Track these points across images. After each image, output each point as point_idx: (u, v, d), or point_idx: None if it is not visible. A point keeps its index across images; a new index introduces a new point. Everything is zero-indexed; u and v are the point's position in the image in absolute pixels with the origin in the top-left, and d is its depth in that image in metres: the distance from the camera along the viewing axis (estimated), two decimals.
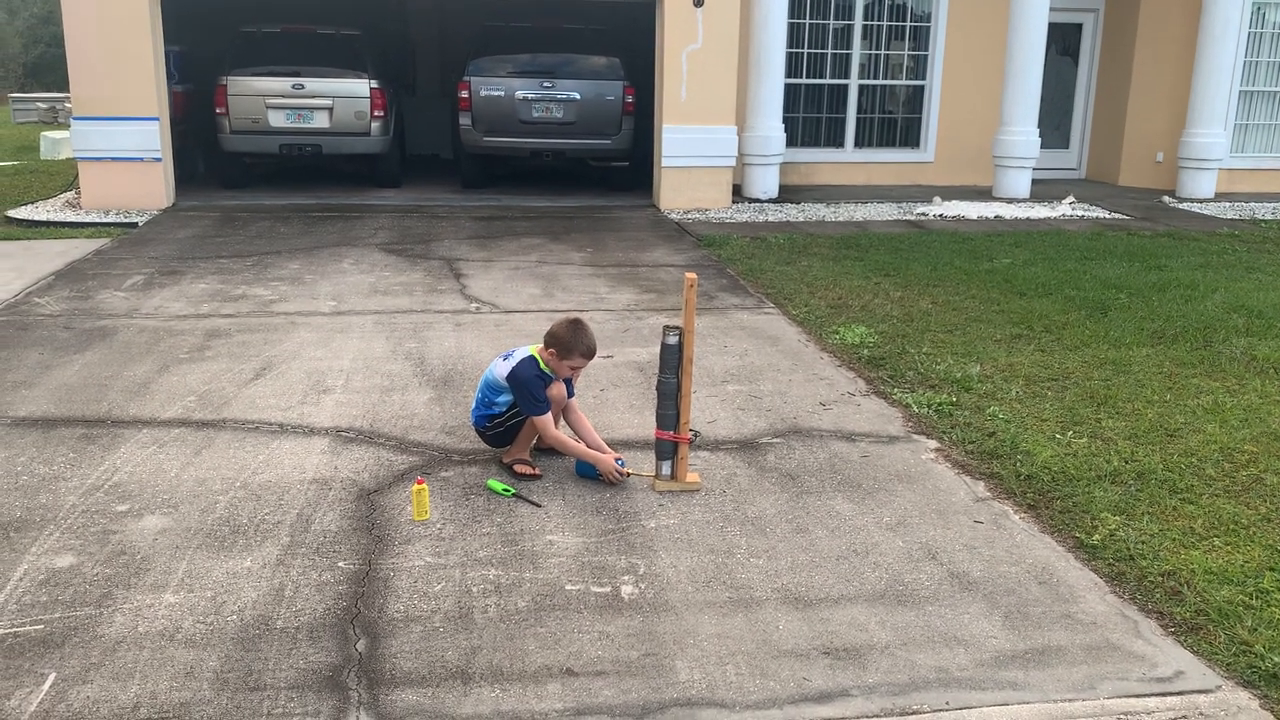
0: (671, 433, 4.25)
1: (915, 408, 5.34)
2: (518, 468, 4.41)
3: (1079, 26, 14.74)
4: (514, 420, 4.43)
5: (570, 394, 4.50)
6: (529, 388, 4.30)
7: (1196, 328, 6.95)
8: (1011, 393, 5.57)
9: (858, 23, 13.87)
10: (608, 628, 3.28)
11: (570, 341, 4.31)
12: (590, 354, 4.38)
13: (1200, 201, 13.34)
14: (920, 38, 14.10)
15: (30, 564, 3.58)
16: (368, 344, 6.30)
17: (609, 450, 4.46)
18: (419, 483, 4.01)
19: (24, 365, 5.77)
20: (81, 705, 2.83)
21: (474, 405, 4.60)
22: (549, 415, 4.34)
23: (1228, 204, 13.23)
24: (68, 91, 12.61)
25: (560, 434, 4.39)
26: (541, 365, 4.36)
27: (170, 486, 4.23)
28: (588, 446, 4.42)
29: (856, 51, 13.99)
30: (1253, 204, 13.29)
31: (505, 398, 4.43)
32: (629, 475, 4.37)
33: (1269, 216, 12.30)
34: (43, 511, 3.98)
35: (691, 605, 3.42)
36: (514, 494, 4.21)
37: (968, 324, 6.97)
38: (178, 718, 2.79)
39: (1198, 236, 10.74)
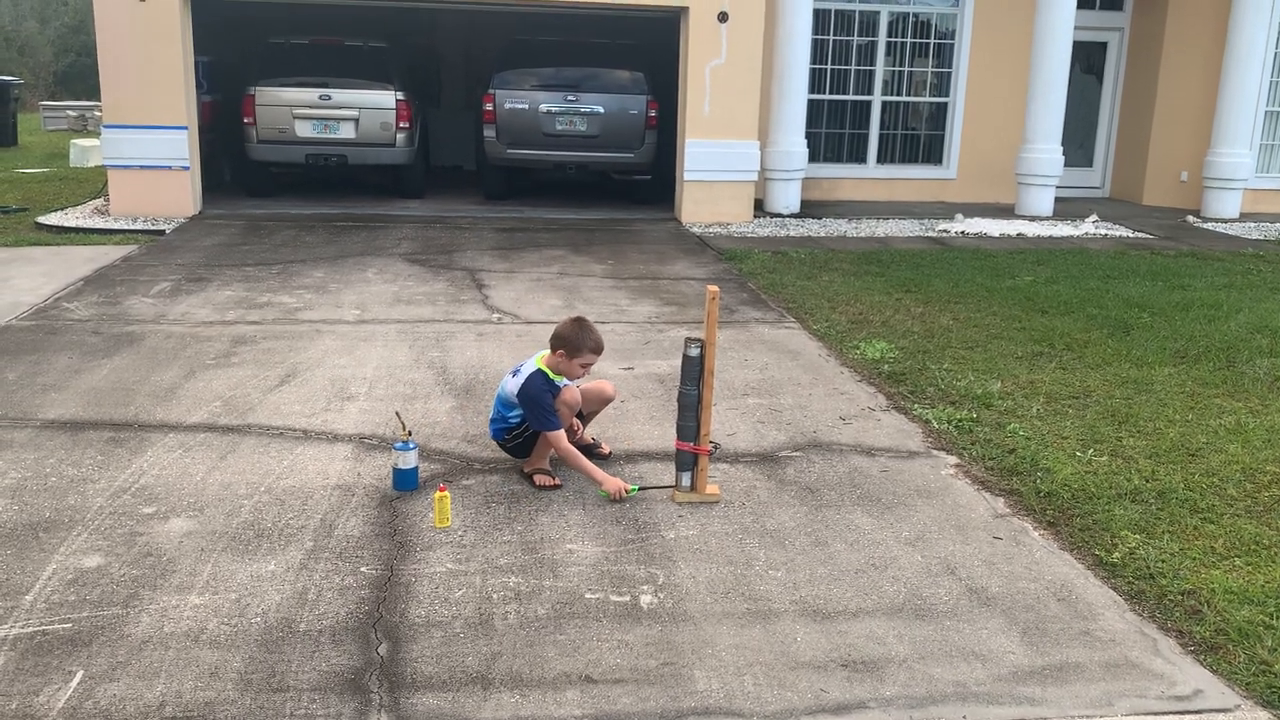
0: (691, 444, 4.27)
1: (935, 423, 5.35)
2: (538, 478, 4.43)
3: (1104, 45, 14.71)
4: (530, 433, 4.45)
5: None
6: (538, 403, 4.31)
7: (1219, 348, 6.92)
8: (1032, 410, 5.57)
9: (881, 39, 13.90)
10: (626, 636, 3.30)
11: (577, 340, 4.34)
12: (599, 349, 4.43)
13: (1225, 221, 13.27)
14: (944, 55, 14.12)
15: (59, 564, 3.64)
16: (391, 352, 6.35)
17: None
18: (441, 490, 4.05)
19: (53, 369, 5.85)
20: (108, 703, 2.88)
21: (490, 418, 4.64)
22: (561, 430, 4.34)
23: (1252, 224, 13.14)
24: (97, 100, 12.80)
25: (572, 449, 4.36)
26: (549, 375, 4.38)
27: (196, 490, 4.29)
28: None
29: (880, 68, 14.01)
30: (1278, 225, 13.20)
31: (517, 413, 4.45)
32: (630, 491, 4.37)
33: None
34: (71, 512, 4.04)
35: (710, 616, 3.44)
36: (638, 490, 4.38)
37: (989, 341, 6.97)
38: (202, 717, 2.83)
39: (1222, 256, 10.69)
